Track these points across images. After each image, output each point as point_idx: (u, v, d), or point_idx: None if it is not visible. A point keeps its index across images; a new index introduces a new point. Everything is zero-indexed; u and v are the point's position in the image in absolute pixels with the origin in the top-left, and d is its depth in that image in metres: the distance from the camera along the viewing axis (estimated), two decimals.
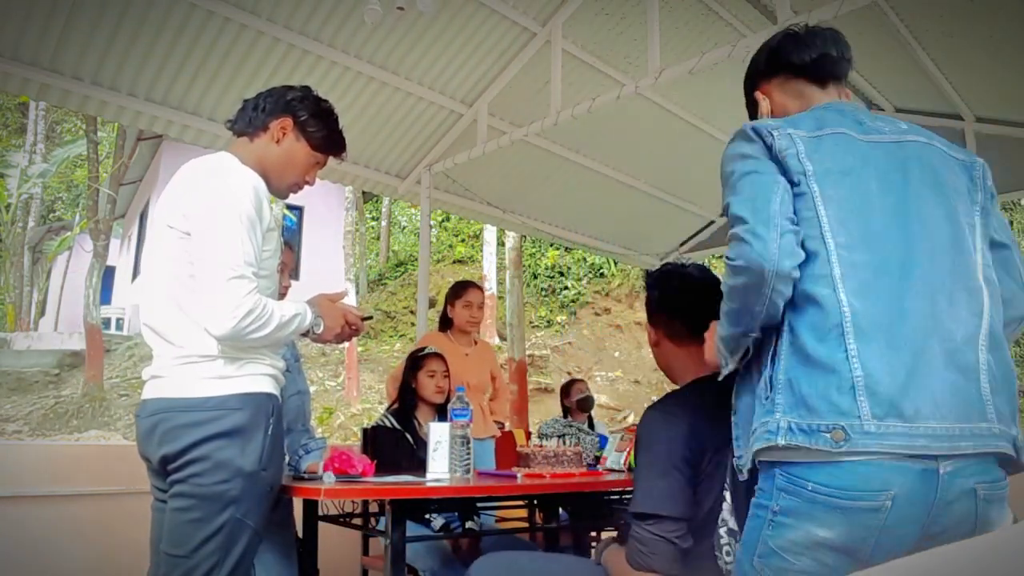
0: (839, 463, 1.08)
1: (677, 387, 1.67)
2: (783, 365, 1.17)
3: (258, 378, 1.62)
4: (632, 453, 1.58)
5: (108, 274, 13.36)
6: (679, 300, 1.66)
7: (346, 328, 1.79)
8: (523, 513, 3.17)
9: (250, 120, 1.76)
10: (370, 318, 2.07)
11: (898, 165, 1.25)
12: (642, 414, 1.56)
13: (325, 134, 1.80)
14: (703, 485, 1.46)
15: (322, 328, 1.72)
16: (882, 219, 1.20)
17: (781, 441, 1.11)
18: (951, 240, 1.21)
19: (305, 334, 1.70)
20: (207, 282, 1.53)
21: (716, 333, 1.31)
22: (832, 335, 1.13)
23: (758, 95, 1.51)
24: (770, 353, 1.21)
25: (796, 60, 1.43)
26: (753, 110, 1.55)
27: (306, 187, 1.90)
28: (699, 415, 1.49)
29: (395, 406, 3.00)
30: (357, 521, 2.64)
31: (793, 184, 1.22)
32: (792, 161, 1.22)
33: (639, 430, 1.54)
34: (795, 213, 1.20)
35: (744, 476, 1.25)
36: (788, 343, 1.18)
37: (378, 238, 18.15)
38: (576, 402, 4.43)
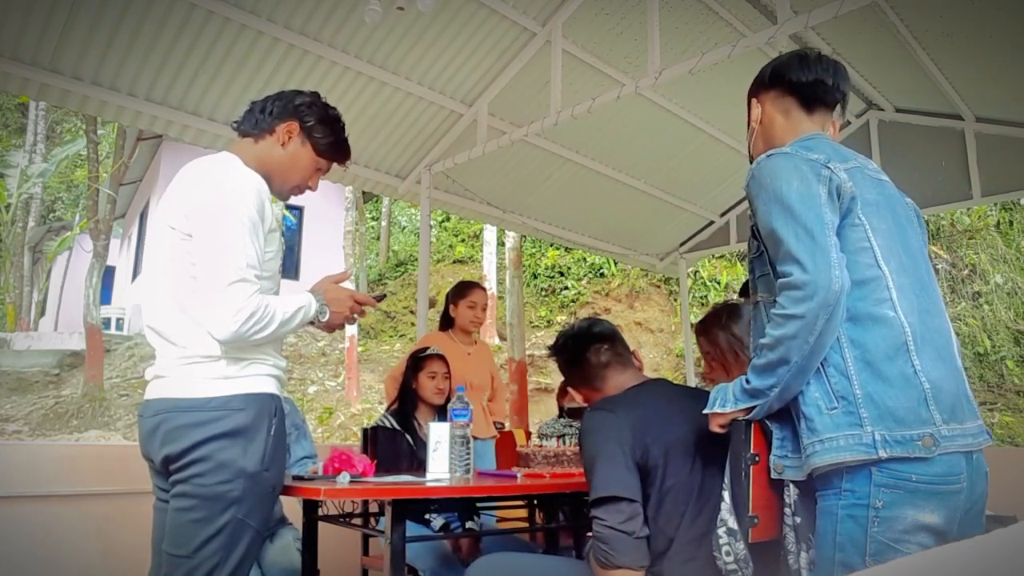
0: (931, 458, 1.24)
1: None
2: (857, 380, 1.28)
3: (261, 378, 1.62)
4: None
5: (108, 274, 13.35)
6: (576, 352, 1.86)
7: (355, 306, 1.79)
8: (523, 513, 3.17)
9: (256, 122, 1.77)
10: (383, 297, 2.04)
11: (887, 200, 1.44)
12: (584, 415, 1.70)
13: (331, 140, 1.82)
14: (662, 484, 1.57)
15: (328, 315, 1.72)
16: (903, 246, 1.39)
17: (883, 454, 1.23)
18: (927, 267, 1.43)
19: (311, 323, 1.70)
20: (209, 285, 1.53)
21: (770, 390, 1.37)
22: (901, 352, 1.28)
23: (754, 101, 1.62)
24: (824, 367, 1.31)
25: (792, 78, 1.55)
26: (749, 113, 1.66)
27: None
28: (640, 413, 1.64)
29: (395, 406, 3.00)
30: (357, 521, 2.64)
31: (844, 215, 1.35)
32: (847, 194, 1.35)
33: (584, 428, 1.66)
34: (850, 242, 1.34)
35: (796, 479, 1.37)
36: (857, 358, 1.29)
37: (378, 238, 18.13)
38: (565, 409, 4.35)
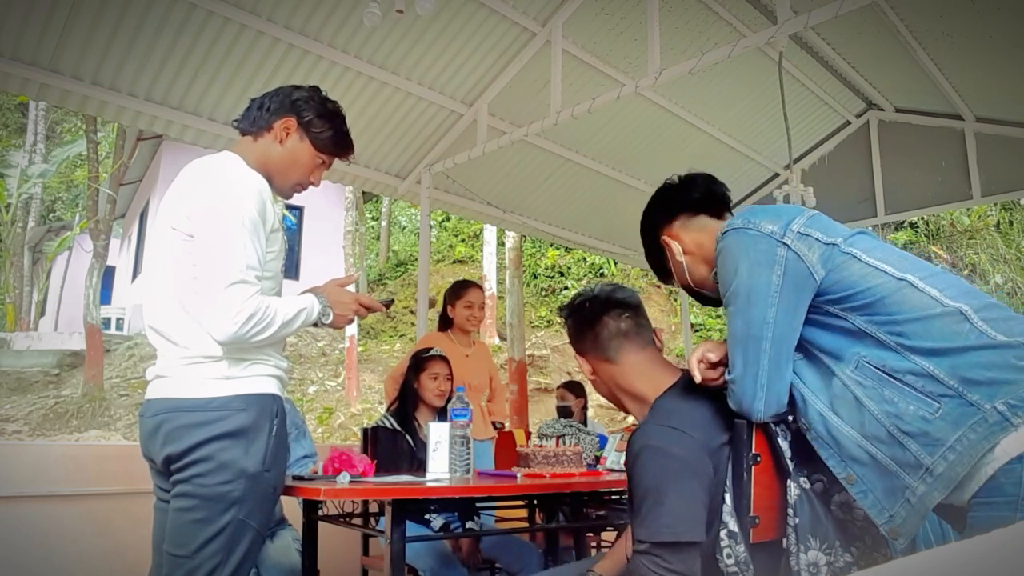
0: None
1: (655, 399, 1.54)
2: (949, 362, 1.19)
3: (263, 379, 1.63)
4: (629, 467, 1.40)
5: (108, 274, 13.36)
6: (593, 314, 1.64)
7: (361, 310, 1.80)
8: (523, 513, 3.17)
9: (255, 119, 1.76)
10: (391, 303, 2.05)
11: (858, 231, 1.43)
12: (639, 432, 1.41)
13: (330, 135, 1.79)
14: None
15: (331, 318, 1.73)
16: (895, 251, 1.37)
17: (1018, 420, 1.13)
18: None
19: (315, 324, 1.71)
20: (208, 287, 1.54)
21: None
22: (964, 329, 1.20)
23: (665, 240, 1.63)
24: (897, 378, 1.23)
25: (691, 197, 1.60)
26: (657, 256, 1.68)
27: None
28: (709, 431, 1.41)
29: (395, 406, 3.00)
30: (357, 521, 2.64)
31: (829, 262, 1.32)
32: (819, 250, 1.32)
33: (648, 444, 1.37)
34: (853, 283, 1.29)
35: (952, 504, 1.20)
36: (930, 356, 1.21)
37: (378, 238, 18.14)
38: (557, 408, 4.33)
